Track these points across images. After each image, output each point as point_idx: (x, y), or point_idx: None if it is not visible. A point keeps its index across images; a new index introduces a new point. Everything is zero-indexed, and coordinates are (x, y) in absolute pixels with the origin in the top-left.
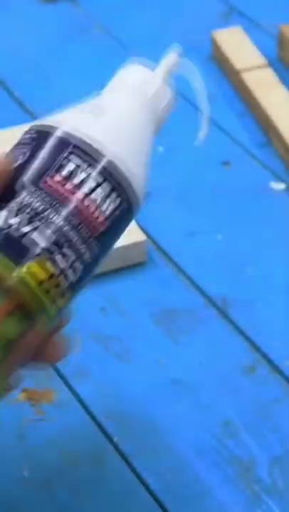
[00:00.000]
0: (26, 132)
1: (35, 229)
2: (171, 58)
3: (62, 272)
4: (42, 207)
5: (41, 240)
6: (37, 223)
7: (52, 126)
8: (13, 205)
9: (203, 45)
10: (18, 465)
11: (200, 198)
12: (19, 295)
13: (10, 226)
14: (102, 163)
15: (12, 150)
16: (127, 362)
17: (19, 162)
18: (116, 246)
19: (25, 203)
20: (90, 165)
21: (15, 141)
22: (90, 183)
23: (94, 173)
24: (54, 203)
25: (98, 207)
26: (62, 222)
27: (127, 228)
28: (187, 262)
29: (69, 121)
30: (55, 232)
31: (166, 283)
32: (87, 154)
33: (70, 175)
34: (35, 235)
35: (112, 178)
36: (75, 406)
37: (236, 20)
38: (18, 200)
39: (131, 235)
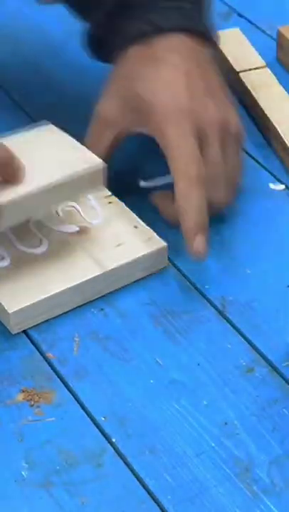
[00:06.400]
0: None
1: None
2: None
3: None
4: None
5: None
6: None
7: None
8: None
9: None
10: (17, 465)
11: None
12: None
13: None
14: None
15: None
16: (126, 362)
17: None
18: (139, 255)
19: None
20: None
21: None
22: None
23: None
24: None
25: None
26: None
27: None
28: (186, 263)
29: None
30: None
31: (165, 283)
32: None
33: None
34: None
35: None
36: (74, 406)
37: (235, 21)
38: None
39: (151, 242)
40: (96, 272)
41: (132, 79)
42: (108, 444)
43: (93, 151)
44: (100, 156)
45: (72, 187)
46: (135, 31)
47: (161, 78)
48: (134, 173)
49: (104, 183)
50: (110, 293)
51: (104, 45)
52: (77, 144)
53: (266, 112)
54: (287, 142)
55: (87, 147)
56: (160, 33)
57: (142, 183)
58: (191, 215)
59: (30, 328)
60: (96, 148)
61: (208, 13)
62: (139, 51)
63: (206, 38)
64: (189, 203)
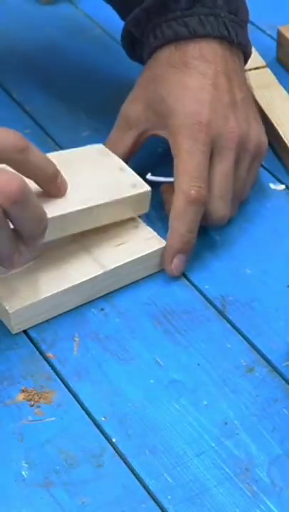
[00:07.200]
0: None
1: None
2: None
3: None
4: None
5: None
6: None
7: None
8: None
9: None
10: (17, 465)
11: None
12: None
13: None
14: None
15: None
16: (126, 362)
17: None
18: (140, 255)
19: None
20: None
21: None
22: None
23: None
24: None
25: None
26: None
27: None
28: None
29: None
30: None
31: (165, 283)
32: None
33: None
34: None
35: None
36: (74, 406)
37: None
38: None
39: (151, 242)
40: (96, 271)
41: (159, 82)
42: (108, 444)
43: (114, 151)
44: (120, 156)
45: (116, 209)
46: (170, 33)
47: (188, 86)
48: (141, 171)
49: (148, 208)
50: (110, 293)
51: (138, 44)
52: (126, 167)
53: (266, 112)
54: (287, 142)
55: (109, 145)
56: (194, 38)
57: (149, 177)
58: (180, 234)
59: (30, 328)
60: (117, 147)
61: (244, 24)
62: (170, 54)
63: (239, 46)
64: (181, 222)
